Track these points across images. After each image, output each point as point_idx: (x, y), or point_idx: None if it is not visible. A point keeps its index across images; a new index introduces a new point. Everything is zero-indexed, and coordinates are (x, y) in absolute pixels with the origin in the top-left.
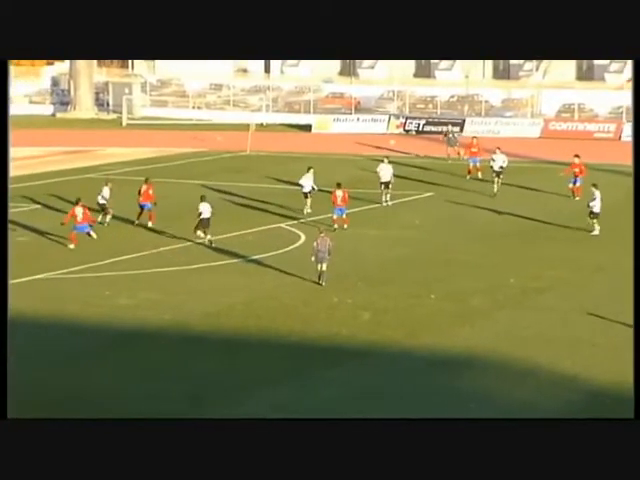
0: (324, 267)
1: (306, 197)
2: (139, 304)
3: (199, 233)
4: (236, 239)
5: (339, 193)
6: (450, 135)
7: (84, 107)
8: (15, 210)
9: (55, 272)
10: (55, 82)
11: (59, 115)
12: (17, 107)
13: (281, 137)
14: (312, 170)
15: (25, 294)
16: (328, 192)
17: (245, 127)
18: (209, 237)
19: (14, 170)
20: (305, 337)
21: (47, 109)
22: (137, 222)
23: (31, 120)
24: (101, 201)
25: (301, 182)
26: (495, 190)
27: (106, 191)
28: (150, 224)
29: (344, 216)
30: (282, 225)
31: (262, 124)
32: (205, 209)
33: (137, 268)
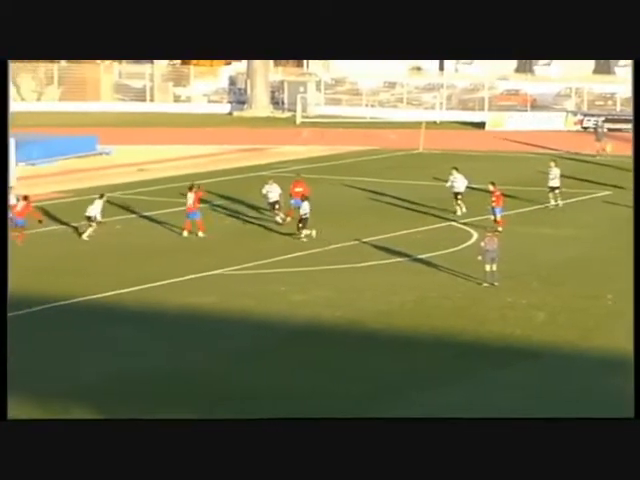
0: (494, 267)
1: (456, 198)
2: (313, 300)
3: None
4: (405, 237)
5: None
6: (599, 130)
7: (260, 105)
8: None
9: (230, 268)
10: (232, 81)
11: (236, 114)
12: (196, 106)
13: (454, 135)
14: (456, 170)
15: (202, 290)
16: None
17: (418, 125)
18: (306, 232)
19: (190, 168)
20: (478, 337)
21: (224, 108)
22: (290, 218)
23: (209, 119)
24: (269, 199)
25: (454, 183)
26: None
27: (269, 189)
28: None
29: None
30: (453, 223)
31: (435, 122)
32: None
33: (310, 265)
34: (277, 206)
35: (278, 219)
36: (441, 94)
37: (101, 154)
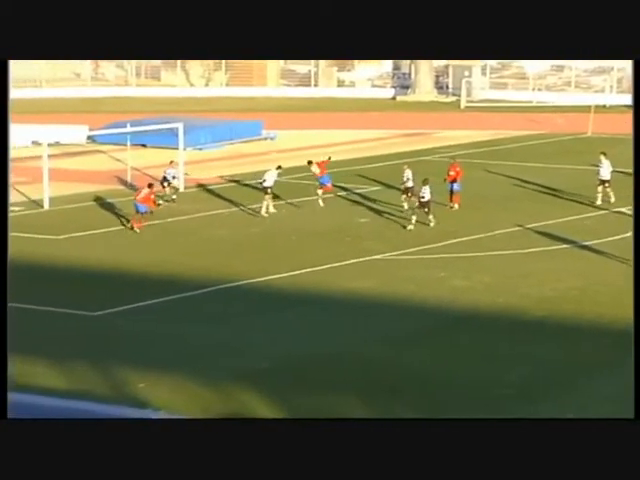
0: None
1: (602, 185)
2: (473, 286)
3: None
4: (572, 224)
5: None
6: None
7: (424, 90)
8: (357, 192)
9: (392, 253)
10: (396, 66)
11: (399, 98)
12: (360, 91)
13: (624, 119)
14: (604, 155)
15: (363, 274)
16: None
17: (586, 109)
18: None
19: (354, 152)
20: None
21: (388, 92)
22: (450, 205)
23: (372, 103)
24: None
25: (600, 170)
26: None
27: (405, 174)
28: (455, 206)
29: None
30: (623, 209)
31: (604, 105)
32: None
33: (472, 251)
34: (403, 188)
35: (405, 205)
36: (612, 77)
37: (266, 139)
